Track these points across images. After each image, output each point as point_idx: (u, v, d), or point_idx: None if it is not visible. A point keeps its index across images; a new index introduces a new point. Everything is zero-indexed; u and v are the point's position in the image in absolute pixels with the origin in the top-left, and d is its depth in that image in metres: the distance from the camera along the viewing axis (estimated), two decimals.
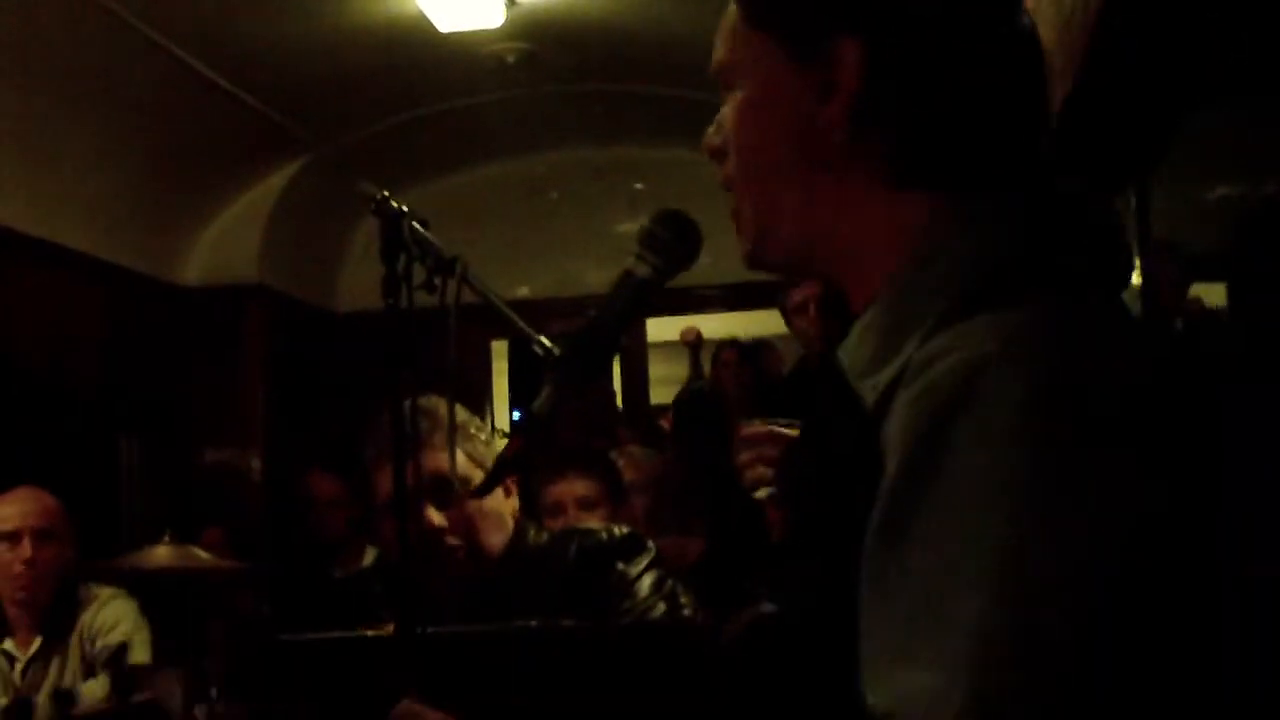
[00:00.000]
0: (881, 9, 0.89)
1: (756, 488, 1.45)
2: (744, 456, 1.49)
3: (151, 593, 3.22)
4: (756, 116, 0.94)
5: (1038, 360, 0.75)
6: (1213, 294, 4.70)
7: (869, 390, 0.87)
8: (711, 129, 0.99)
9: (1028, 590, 0.71)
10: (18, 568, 3.10)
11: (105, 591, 3.22)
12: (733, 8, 0.97)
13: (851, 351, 0.91)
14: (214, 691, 2.61)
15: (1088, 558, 0.71)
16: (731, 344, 5.31)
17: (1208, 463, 0.77)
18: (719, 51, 0.98)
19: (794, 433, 1.44)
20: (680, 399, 5.44)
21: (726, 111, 0.97)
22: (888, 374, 0.85)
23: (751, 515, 1.47)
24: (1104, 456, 0.73)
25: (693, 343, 6.25)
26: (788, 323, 3.90)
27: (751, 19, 0.94)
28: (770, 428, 1.48)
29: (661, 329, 6.35)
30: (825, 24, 0.89)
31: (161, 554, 3.05)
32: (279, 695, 1.58)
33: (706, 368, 5.83)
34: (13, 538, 3.12)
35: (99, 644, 3.12)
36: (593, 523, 3.14)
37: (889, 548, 0.76)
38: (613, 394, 5.86)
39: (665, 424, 5.35)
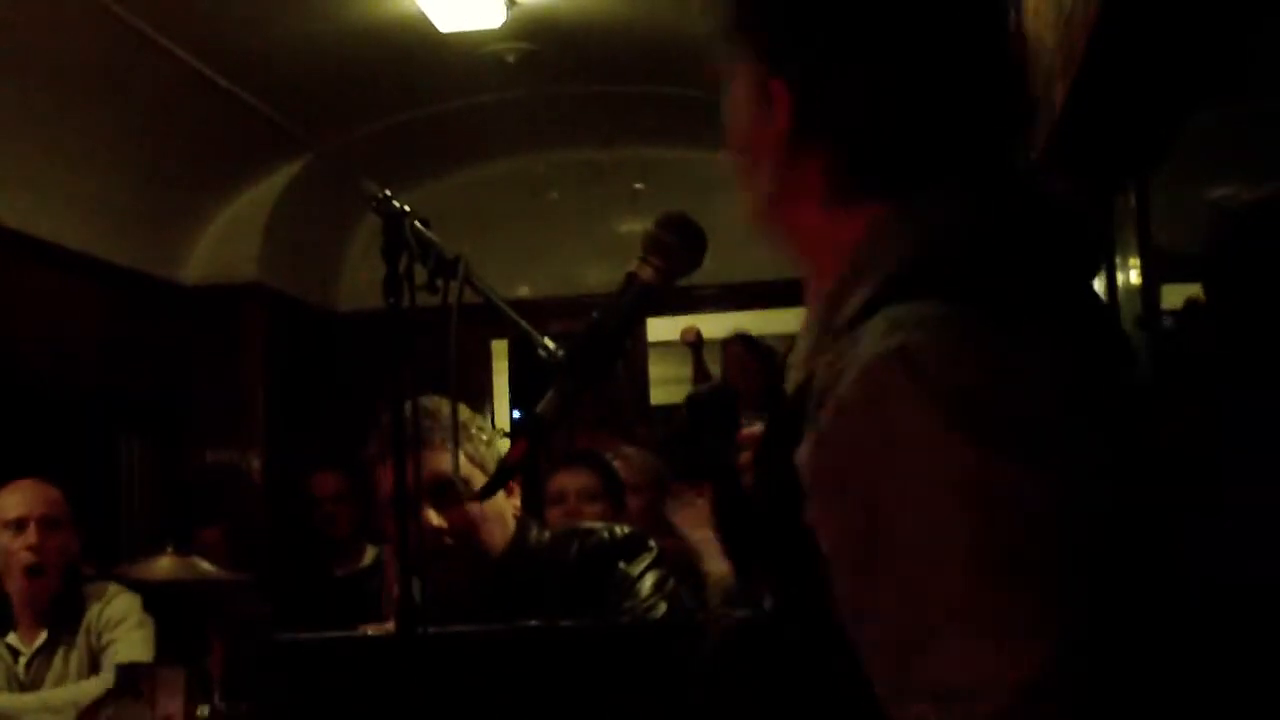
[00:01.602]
0: (804, 53, 0.93)
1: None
2: (743, 458, 1.50)
3: (154, 598, 3.23)
4: (734, 115, 0.99)
5: (926, 364, 0.78)
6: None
7: (791, 387, 0.91)
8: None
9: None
10: (24, 555, 3.11)
11: (112, 587, 3.23)
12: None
13: (796, 349, 0.96)
14: (215, 692, 2.61)
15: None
16: (739, 337, 5.29)
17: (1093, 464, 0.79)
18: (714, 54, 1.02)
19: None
20: (694, 397, 5.43)
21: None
22: (803, 374, 0.88)
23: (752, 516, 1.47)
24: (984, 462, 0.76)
25: (693, 342, 6.25)
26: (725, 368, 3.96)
27: (735, 28, 0.99)
28: (757, 428, 1.48)
29: (661, 329, 6.34)
30: (765, 61, 0.95)
31: (164, 565, 3.07)
32: (278, 695, 1.58)
33: (713, 367, 5.80)
34: (19, 525, 3.14)
35: (104, 639, 3.12)
36: (593, 514, 3.17)
37: (853, 574, 0.80)
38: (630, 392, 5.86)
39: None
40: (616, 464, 3.53)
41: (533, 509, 2.14)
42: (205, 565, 3.25)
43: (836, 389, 0.80)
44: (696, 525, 4.50)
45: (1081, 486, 0.77)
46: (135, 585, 3.21)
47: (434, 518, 1.94)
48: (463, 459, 1.92)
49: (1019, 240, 0.88)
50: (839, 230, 0.93)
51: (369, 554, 4.75)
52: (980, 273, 0.85)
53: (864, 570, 0.79)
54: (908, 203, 0.90)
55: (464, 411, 2.02)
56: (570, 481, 3.21)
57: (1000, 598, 0.74)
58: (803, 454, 0.82)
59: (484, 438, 2.04)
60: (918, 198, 0.90)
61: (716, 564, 4.51)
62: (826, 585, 0.82)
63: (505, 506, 2.03)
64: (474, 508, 1.94)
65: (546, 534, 2.08)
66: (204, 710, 2.60)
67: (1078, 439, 0.78)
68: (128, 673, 2.79)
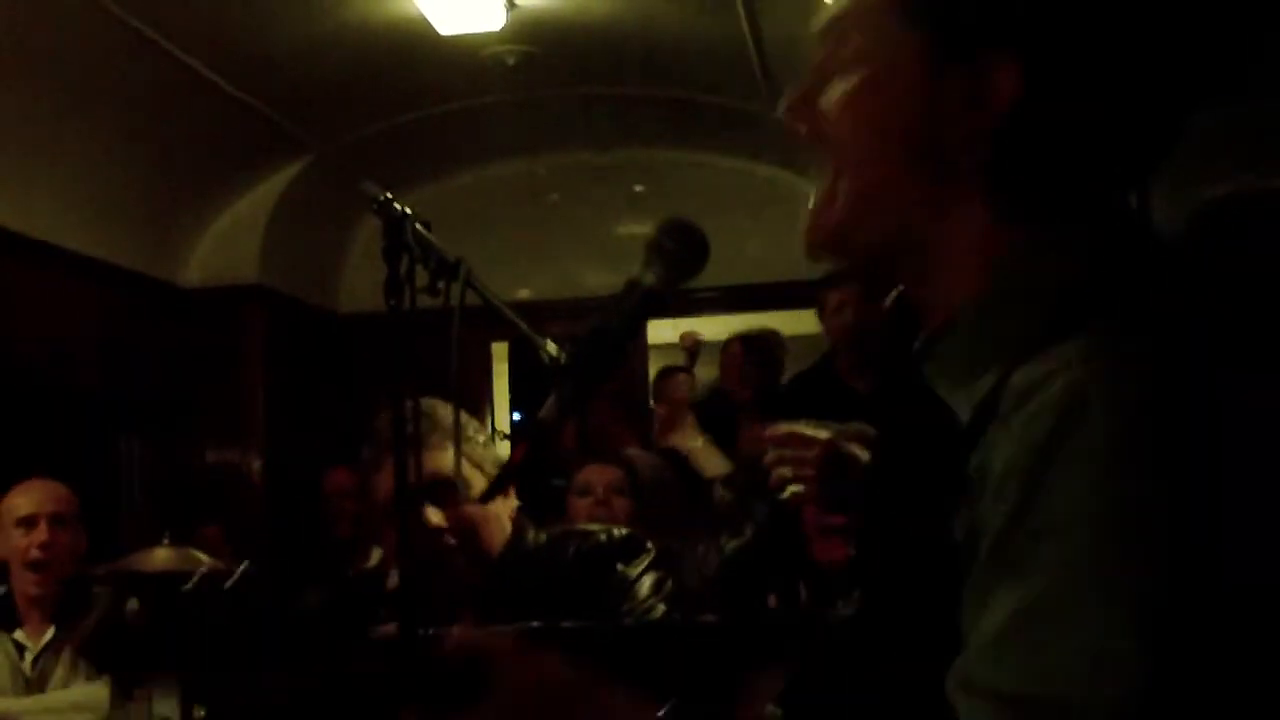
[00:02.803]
0: (1048, 33, 0.85)
1: (783, 487, 1.46)
2: (770, 456, 1.49)
3: (150, 594, 3.22)
4: (883, 101, 0.90)
5: (1129, 389, 0.75)
6: None
7: (963, 405, 0.88)
8: (795, 95, 0.95)
9: (1131, 619, 0.72)
10: (34, 552, 3.12)
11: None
12: None
13: (937, 366, 0.91)
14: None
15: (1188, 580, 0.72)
16: (737, 339, 5.28)
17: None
18: (836, 10, 0.94)
19: (820, 434, 1.44)
20: (699, 399, 5.45)
21: (822, 81, 0.93)
22: (979, 391, 0.85)
23: (778, 514, 1.47)
24: (1198, 483, 0.73)
25: (690, 348, 6.24)
26: (822, 321, 3.92)
27: (903, 11, 0.89)
28: (795, 429, 1.48)
29: (661, 331, 6.35)
30: (988, 36, 0.86)
31: (161, 557, 3.05)
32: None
33: (714, 370, 5.79)
34: (29, 522, 3.15)
35: None
36: (621, 506, 3.22)
37: (997, 571, 0.77)
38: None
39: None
40: None
41: (534, 512, 2.15)
42: (203, 556, 3.23)
43: (1040, 398, 0.77)
44: (689, 438, 4.68)
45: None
46: (132, 578, 3.20)
47: (434, 517, 1.94)
48: (461, 460, 1.93)
49: (1158, 271, 0.86)
50: (989, 238, 0.87)
51: (375, 554, 4.75)
52: (1141, 301, 0.82)
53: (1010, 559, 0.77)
54: (1055, 225, 0.87)
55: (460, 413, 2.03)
56: (599, 475, 3.28)
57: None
58: (998, 454, 0.79)
59: (480, 439, 2.05)
60: (1064, 223, 0.87)
61: (712, 464, 4.61)
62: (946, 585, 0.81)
63: (502, 508, 2.04)
64: (472, 509, 1.95)
65: (544, 535, 2.08)
66: (200, 711, 2.60)
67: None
68: (125, 675, 2.79)
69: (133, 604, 2.98)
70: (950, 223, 0.89)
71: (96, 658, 2.98)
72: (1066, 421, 0.75)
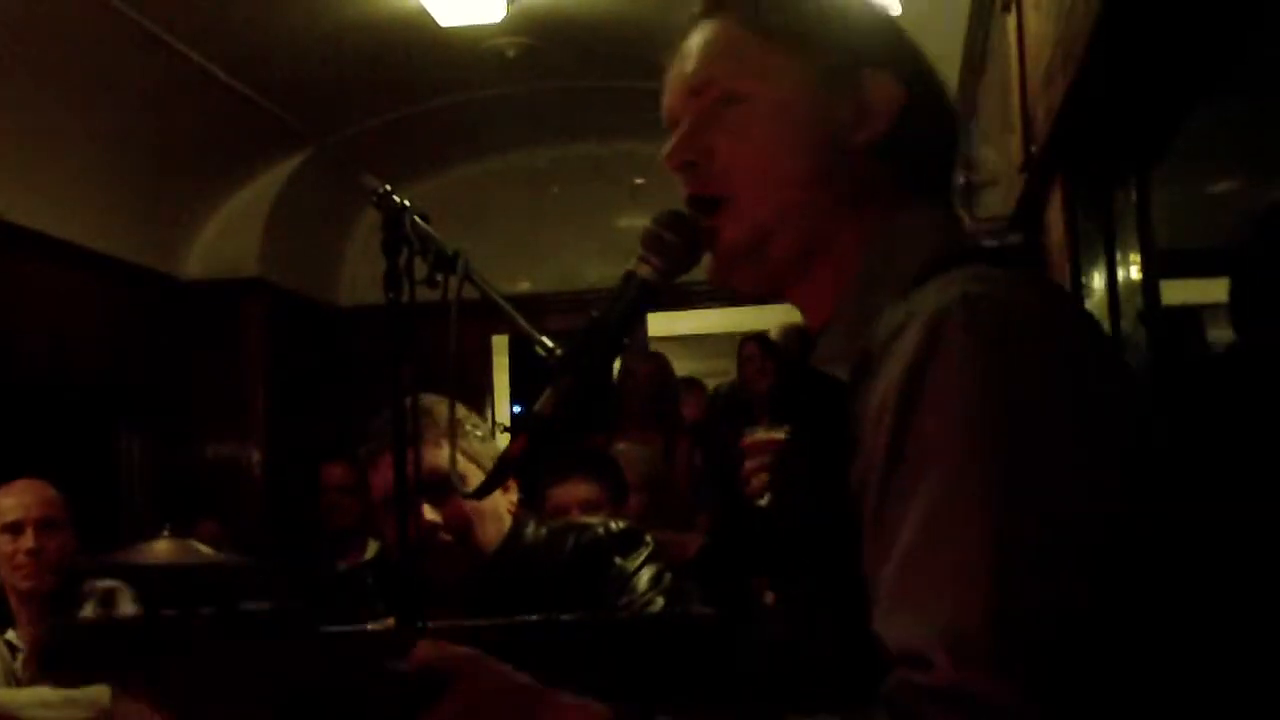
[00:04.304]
0: (906, 55, 1.05)
1: (759, 496, 1.47)
2: (748, 465, 1.51)
3: (150, 586, 3.22)
4: (777, 129, 1.02)
5: (985, 306, 0.85)
6: (1215, 290, 4.68)
7: (842, 369, 0.94)
8: (679, 140, 1.05)
9: (1025, 506, 0.79)
10: (21, 558, 3.11)
11: (107, 584, 3.22)
12: (715, 27, 1.07)
13: (824, 346, 1.01)
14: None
15: (1071, 464, 0.80)
16: (754, 338, 5.27)
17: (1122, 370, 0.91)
18: (701, 64, 1.06)
19: (777, 435, 1.47)
20: (715, 395, 5.45)
21: (707, 124, 1.04)
22: (858, 347, 0.93)
23: (752, 521, 1.48)
24: (1060, 374, 0.83)
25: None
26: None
27: (781, 40, 1.04)
28: (756, 438, 1.51)
29: (661, 325, 6.34)
30: (869, 58, 1.02)
31: (161, 549, 3.04)
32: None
33: (715, 362, 5.80)
34: (15, 528, 3.13)
35: None
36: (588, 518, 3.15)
37: (884, 491, 0.84)
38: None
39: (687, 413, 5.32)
40: None
41: (531, 507, 2.14)
42: (203, 549, 3.22)
43: (903, 338, 0.86)
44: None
45: (1104, 446, 0.82)
46: (131, 570, 3.19)
47: (430, 513, 1.93)
48: (458, 455, 1.92)
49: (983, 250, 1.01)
50: (869, 225, 1.01)
51: (371, 548, 4.75)
52: (979, 255, 0.96)
53: (890, 486, 0.84)
54: (911, 206, 1.02)
55: (459, 409, 2.02)
56: (569, 495, 3.17)
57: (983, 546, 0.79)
58: (873, 397, 0.87)
59: (478, 434, 2.04)
60: (915, 204, 1.02)
61: None
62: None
63: (501, 502, 2.03)
64: (469, 503, 1.94)
65: (543, 529, 2.07)
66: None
67: (1108, 387, 0.86)
68: (66, 676, 2.78)
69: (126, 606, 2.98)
70: (844, 222, 1.01)
71: (49, 662, 2.94)
72: (929, 349, 0.84)
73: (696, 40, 1.09)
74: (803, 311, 1.07)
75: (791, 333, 5.30)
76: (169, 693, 0.96)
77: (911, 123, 1.02)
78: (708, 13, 1.10)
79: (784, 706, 0.90)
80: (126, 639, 1.11)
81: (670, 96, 1.10)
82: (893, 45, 1.06)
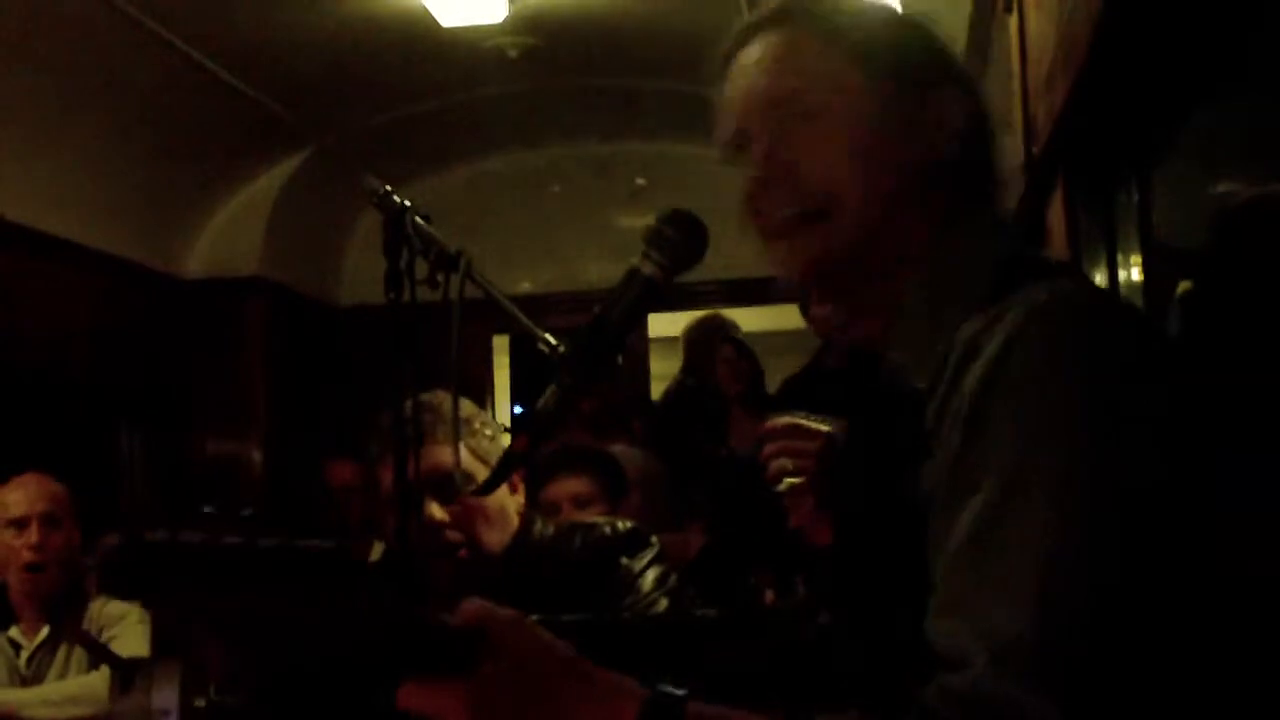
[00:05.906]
0: (962, 72, 1.10)
1: (780, 480, 1.45)
2: (769, 448, 1.49)
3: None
4: (871, 136, 1.05)
5: (1054, 329, 0.89)
6: None
7: (919, 377, 0.99)
8: (766, 155, 1.07)
9: (1081, 514, 0.81)
10: (26, 554, 3.10)
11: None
12: (787, 38, 1.08)
13: (897, 354, 1.05)
14: (211, 684, 2.61)
15: (1127, 478, 0.83)
16: (728, 339, 5.31)
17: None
18: (781, 76, 1.06)
19: (821, 426, 1.45)
20: (663, 398, 5.45)
21: (788, 137, 1.06)
22: (936, 357, 0.97)
23: (767, 507, 1.47)
24: (1127, 391, 0.87)
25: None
26: (806, 314, 3.93)
27: (853, 54, 1.06)
28: (795, 421, 1.48)
29: (662, 324, 6.34)
30: (939, 77, 1.08)
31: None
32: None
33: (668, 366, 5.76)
34: (20, 523, 3.13)
35: (106, 635, 3.11)
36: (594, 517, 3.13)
37: (953, 481, 0.87)
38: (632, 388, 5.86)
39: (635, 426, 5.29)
40: None
41: (532, 505, 2.14)
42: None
43: (988, 343, 0.90)
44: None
45: (1163, 467, 0.85)
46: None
47: (436, 512, 1.93)
48: (466, 454, 1.92)
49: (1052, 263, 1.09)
50: (935, 232, 1.05)
51: (376, 549, 4.75)
52: (1050, 267, 1.04)
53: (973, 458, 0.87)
54: (973, 213, 1.07)
55: (468, 407, 2.02)
56: (561, 490, 3.16)
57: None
58: (956, 400, 0.90)
59: (488, 432, 2.04)
60: (978, 211, 1.08)
61: None
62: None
63: (508, 502, 2.03)
64: (476, 503, 1.94)
65: (550, 528, 2.07)
66: (200, 701, 2.60)
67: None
68: (123, 667, 2.79)
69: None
70: (915, 234, 1.05)
71: (114, 580, 2.91)
72: (1007, 354, 0.88)
73: (767, 51, 1.08)
74: (856, 315, 1.09)
75: (708, 325, 5.35)
76: (224, 621, 0.96)
77: (971, 138, 1.07)
78: (773, 23, 1.09)
79: (816, 705, 0.91)
80: (191, 564, 1.12)
81: (742, 106, 1.09)
82: (951, 62, 1.10)
